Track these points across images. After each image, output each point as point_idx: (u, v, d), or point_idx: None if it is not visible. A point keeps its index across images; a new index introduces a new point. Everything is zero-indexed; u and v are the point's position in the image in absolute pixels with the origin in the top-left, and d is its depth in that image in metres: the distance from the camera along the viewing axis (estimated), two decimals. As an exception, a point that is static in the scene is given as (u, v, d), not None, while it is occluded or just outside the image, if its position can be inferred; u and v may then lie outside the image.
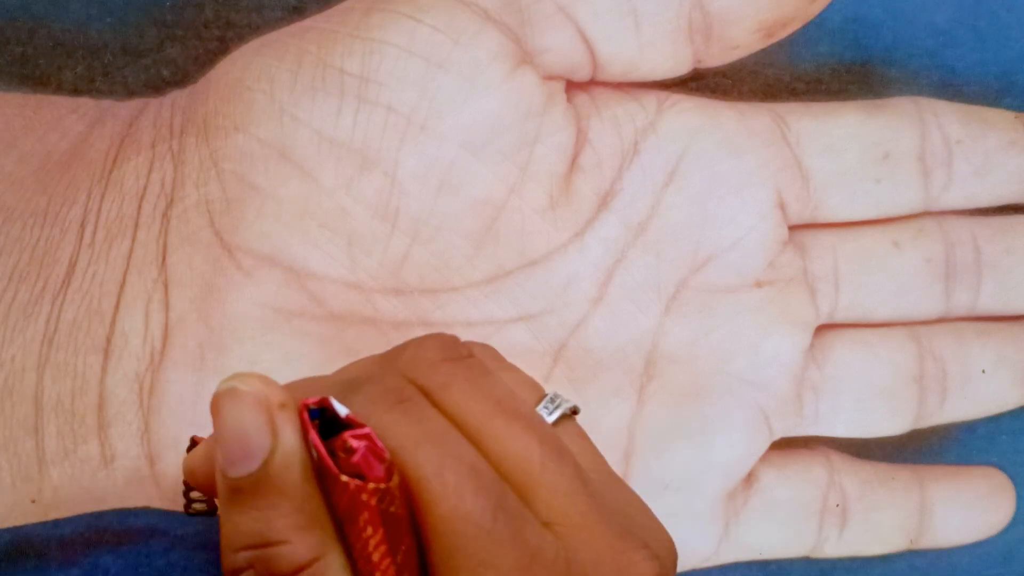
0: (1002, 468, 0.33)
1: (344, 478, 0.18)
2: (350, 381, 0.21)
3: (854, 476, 0.32)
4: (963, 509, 0.32)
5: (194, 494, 0.28)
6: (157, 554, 0.28)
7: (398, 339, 0.29)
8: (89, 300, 0.28)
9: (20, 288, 0.28)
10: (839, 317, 0.31)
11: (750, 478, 0.31)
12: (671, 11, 0.29)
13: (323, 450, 0.18)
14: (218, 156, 0.28)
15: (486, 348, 0.23)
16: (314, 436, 0.19)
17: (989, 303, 0.32)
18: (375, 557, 0.18)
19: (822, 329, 0.31)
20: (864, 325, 0.31)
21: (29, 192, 0.29)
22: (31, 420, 0.28)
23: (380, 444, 0.18)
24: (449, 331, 0.23)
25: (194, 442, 0.26)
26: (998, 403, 0.32)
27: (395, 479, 0.18)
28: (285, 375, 0.28)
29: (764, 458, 0.31)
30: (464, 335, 0.24)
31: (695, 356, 0.30)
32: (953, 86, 0.31)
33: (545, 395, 0.22)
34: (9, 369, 0.28)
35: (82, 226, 0.29)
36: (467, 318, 0.29)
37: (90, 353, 0.28)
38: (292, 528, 0.18)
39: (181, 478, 0.28)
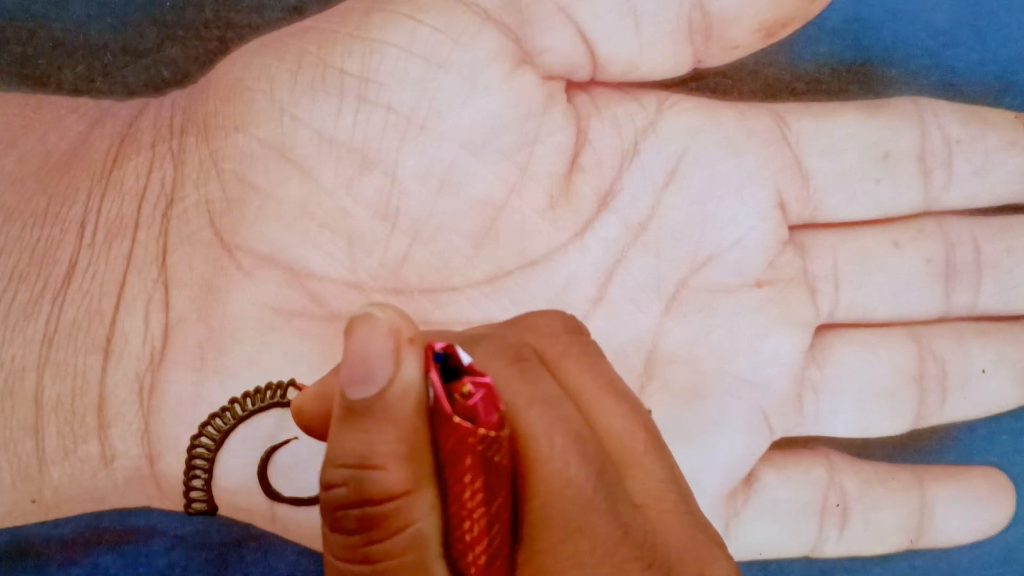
0: (1002, 468, 0.33)
1: (456, 419, 0.18)
2: (472, 336, 0.21)
3: (854, 476, 0.32)
4: (963, 509, 0.32)
5: (194, 494, 0.28)
6: (157, 554, 0.28)
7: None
8: (89, 300, 0.28)
9: (20, 288, 0.28)
10: (839, 317, 0.31)
11: (750, 478, 0.31)
12: (671, 11, 0.29)
13: (441, 389, 0.19)
14: (218, 156, 0.28)
15: None
16: (434, 375, 0.19)
17: (989, 303, 0.32)
18: (470, 503, 0.19)
19: (822, 329, 0.31)
20: (864, 325, 0.31)
21: (29, 192, 0.29)
22: (31, 420, 0.28)
23: (498, 394, 0.19)
24: (449, 331, 0.24)
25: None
26: (998, 403, 0.32)
27: (505, 430, 0.19)
28: (285, 375, 0.28)
29: (764, 458, 0.31)
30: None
31: (695, 356, 0.30)
32: (953, 86, 0.31)
33: None
34: (9, 369, 0.28)
35: (82, 226, 0.29)
36: (467, 318, 0.29)
37: (90, 353, 0.28)
38: (392, 456, 0.19)
39: (181, 478, 0.28)
